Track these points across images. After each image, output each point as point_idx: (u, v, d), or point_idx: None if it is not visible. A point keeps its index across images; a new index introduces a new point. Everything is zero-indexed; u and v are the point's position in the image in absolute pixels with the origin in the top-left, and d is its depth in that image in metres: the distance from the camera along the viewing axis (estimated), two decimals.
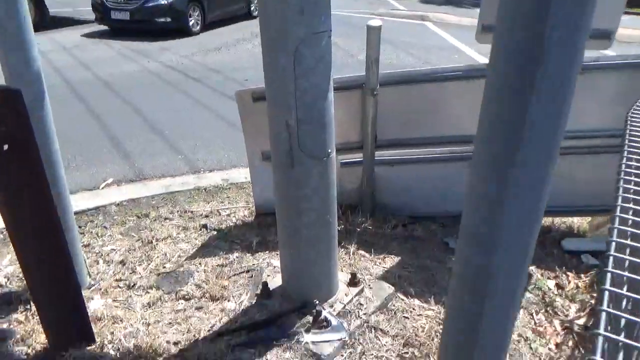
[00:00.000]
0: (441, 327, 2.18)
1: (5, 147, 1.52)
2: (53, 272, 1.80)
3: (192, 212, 3.16)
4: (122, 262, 2.59)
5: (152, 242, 2.79)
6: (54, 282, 1.82)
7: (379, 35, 2.67)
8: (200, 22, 10.17)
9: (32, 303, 2.21)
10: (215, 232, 2.92)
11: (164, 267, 2.56)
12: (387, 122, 2.93)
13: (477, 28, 2.71)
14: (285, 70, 1.83)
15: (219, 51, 8.58)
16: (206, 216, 3.11)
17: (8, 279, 2.42)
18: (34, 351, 1.92)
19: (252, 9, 12.02)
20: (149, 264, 2.59)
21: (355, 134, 2.98)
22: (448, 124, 2.97)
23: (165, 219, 3.06)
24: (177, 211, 3.17)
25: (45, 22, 9.92)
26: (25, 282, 2.33)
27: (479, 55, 8.51)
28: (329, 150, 2.02)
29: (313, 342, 2.03)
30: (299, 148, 1.94)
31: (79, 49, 8.33)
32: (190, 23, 9.86)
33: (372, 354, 2.03)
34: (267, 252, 2.70)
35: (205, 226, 2.97)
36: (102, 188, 3.57)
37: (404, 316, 2.27)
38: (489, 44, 3.03)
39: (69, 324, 1.90)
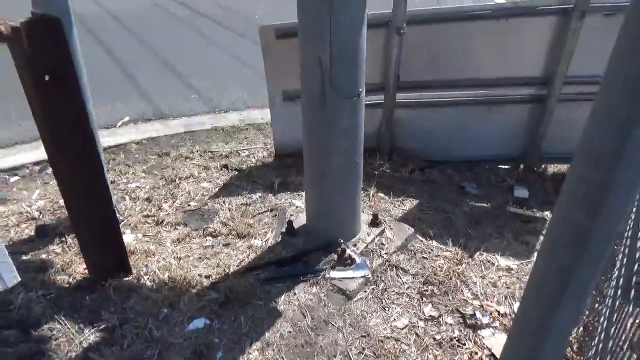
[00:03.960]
0: (458, 267, 2.27)
1: (47, 77, 1.52)
2: (93, 201, 1.85)
3: (212, 152, 3.19)
4: (148, 199, 2.65)
5: (175, 180, 2.84)
6: (94, 211, 1.87)
7: None
8: None
9: (66, 235, 2.30)
10: (236, 172, 2.96)
11: (189, 205, 2.63)
12: (410, 63, 2.89)
13: None
14: (322, 1, 1.77)
15: None
16: (226, 156, 3.14)
17: (41, 213, 2.49)
18: (74, 280, 2.01)
19: None
20: (174, 202, 2.65)
21: (377, 75, 2.94)
22: (472, 66, 2.93)
23: (186, 158, 3.10)
24: (197, 151, 3.19)
25: None
26: (57, 215, 2.41)
27: None
28: (360, 90, 2.01)
29: (338, 278, 2.12)
30: (332, 86, 1.93)
31: None
32: None
33: (394, 291, 2.13)
34: (288, 192, 2.75)
35: (226, 166, 3.01)
36: (119, 126, 3.58)
37: (423, 256, 2.35)
38: None
39: (107, 253, 1.98)
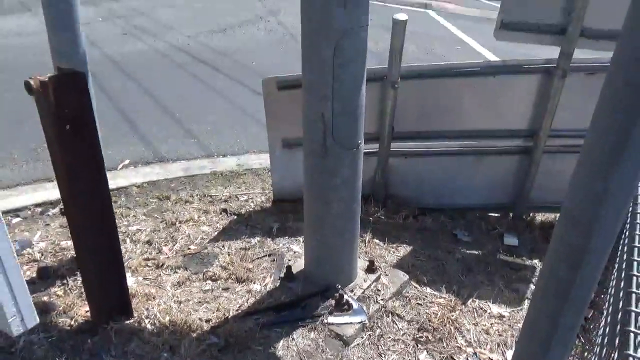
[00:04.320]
0: (452, 314, 2.34)
1: (67, 127, 1.62)
2: (101, 245, 1.91)
3: (211, 196, 3.27)
4: (149, 242, 2.70)
5: (175, 223, 2.90)
6: (102, 253, 1.93)
7: (404, 28, 2.76)
8: None
9: (68, 278, 2.33)
10: (235, 217, 3.04)
11: (189, 249, 2.68)
12: (404, 114, 3.04)
13: (496, 24, 2.82)
14: (325, 62, 1.91)
15: (225, 33, 8.57)
16: (225, 201, 3.22)
17: (42, 254, 2.53)
18: (76, 322, 2.04)
19: None
20: (174, 245, 2.70)
21: (372, 125, 3.08)
22: (461, 118, 3.09)
23: (186, 202, 3.17)
24: (197, 195, 3.27)
25: None
26: (58, 257, 2.45)
27: (482, 47, 8.59)
28: (359, 142, 2.13)
29: (336, 324, 2.17)
30: (333, 138, 2.05)
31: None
32: None
33: (390, 337, 2.18)
34: (286, 237, 2.82)
35: (225, 210, 3.09)
36: (120, 169, 3.66)
37: (417, 303, 2.41)
38: (507, 42, 3.15)
39: (111, 296, 2.01)
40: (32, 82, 1.50)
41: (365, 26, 1.92)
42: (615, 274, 1.63)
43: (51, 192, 3.24)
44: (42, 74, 1.55)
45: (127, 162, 3.79)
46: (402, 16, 2.73)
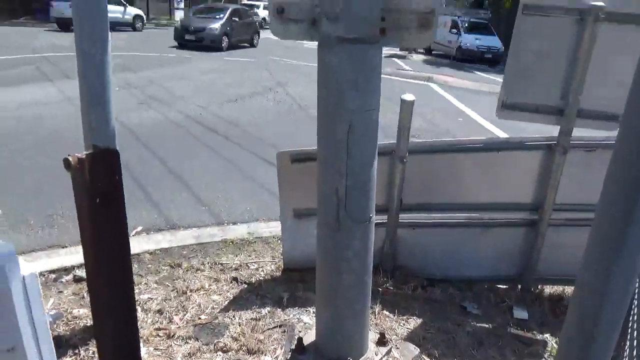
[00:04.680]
0: None
1: (98, 200, 1.71)
2: (120, 313, 1.94)
3: (222, 264, 3.31)
4: (160, 312, 2.72)
5: (186, 292, 2.93)
6: (120, 323, 1.95)
7: (411, 108, 2.94)
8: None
9: (80, 347, 2.33)
10: (245, 286, 3.07)
11: (200, 318, 2.69)
12: (411, 187, 3.15)
13: (498, 104, 3.00)
14: (339, 140, 2.04)
15: (235, 103, 8.95)
16: (236, 269, 3.26)
17: (55, 323, 2.54)
18: None
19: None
20: (185, 314, 2.72)
21: (381, 197, 3.18)
22: (467, 191, 3.20)
23: (197, 270, 3.21)
24: (208, 262, 3.32)
25: None
26: (71, 326, 2.47)
27: (482, 119, 8.91)
28: (371, 215, 2.22)
29: None
30: (346, 212, 2.14)
31: None
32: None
33: None
34: (296, 307, 2.84)
35: (235, 279, 3.12)
36: (133, 235, 3.73)
37: None
38: (509, 120, 3.33)
39: None
40: (70, 160, 1.61)
41: (376, 108, 2.07)
42: (628, 343, 1.66)
43: (64, 258, 3.30)
44: (79, 152, 1.67)
45: (140, 228, 3.87)
46: (409, 97, 2.91)
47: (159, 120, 7.32)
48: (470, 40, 20.91)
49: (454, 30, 21.86)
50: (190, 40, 17.37)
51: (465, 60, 20.29)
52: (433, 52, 22.57)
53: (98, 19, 1.85)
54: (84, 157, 1.64)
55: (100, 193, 1.73)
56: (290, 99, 9.63)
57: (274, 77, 12.24)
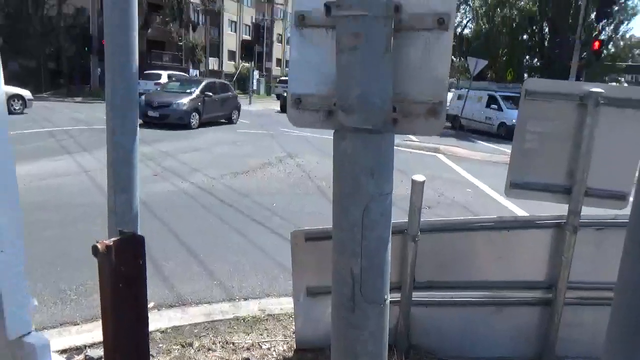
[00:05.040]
0: None
1: (121, 285, 1.76)
2: None
3: (233, 343, 3.27)
4: None
5: None
6: None
7: (422, 188, 3.02)
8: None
9: None
10: None
11: None
12: (424, 265, 3.16)
13: (506, 184, 3.07)
14: (355, 223, 2.10)
15: (247, 174, 9.15)
16: (247, 349, 3.22)
17: None
18: None
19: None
20: None
21: (394, 275, 3.19)
22: (479, 270, 3.20)
23: (209, 349, 3.17)
24: (219, 342, 3.28)
25: None
26: None
27: (490, 190, 8.99)
28: (385, 297, 2.23)
29: None
30: (361, 294, 2.15)
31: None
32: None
33: None
34: None
35: (247, 359, 3.07)
36: None
37: None
38: (518, 199, 3.40)
39: None
40: (99, 246, 1.69)
41: (390, 193, 2.15)
42: None
43: (76, 337, 3.28)
44: (107, 239, 1.75)
45: (151, 304, 3.86)
46: (420, 177, 3.01)
47: (172, 191, 7.49)
48: (515, 116, 20.89)
49: (494, 106, 20.71)
50: (154, 117, 15.49)
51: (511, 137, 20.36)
52: (465, 129, 21.65)
53: (129, 115, 2.00)
54: (111, 243, 1.72)
55: (124, 277, 1.78)
56: (300, 171, 9.83)
57: (285, 148, 12.57)
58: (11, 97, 16.88)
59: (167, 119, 15.43)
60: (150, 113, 15.54)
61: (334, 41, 2.03)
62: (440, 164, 11.98)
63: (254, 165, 10.10)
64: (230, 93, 19.16)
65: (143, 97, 15.69)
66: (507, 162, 3.10)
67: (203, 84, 17.52)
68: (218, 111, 17.70)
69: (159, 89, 19.61)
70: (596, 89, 2.85)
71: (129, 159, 2.08)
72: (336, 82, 2.07)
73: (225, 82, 20.85)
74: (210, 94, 16.97)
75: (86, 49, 23.26)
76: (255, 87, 35.62)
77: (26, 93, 17.03)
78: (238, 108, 19.46)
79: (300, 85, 2.21)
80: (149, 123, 15.36)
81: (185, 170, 9.09)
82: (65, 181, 7.61)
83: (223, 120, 18.37)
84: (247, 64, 43.67)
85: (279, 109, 27.09)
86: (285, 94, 25.68)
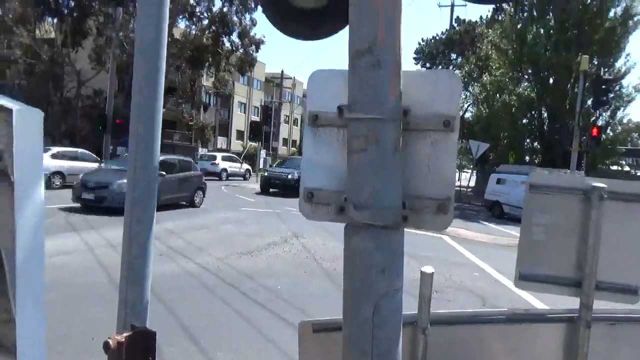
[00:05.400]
0: None
1: None
2: None
3: None
4: None
5: None
6: None
7: (431, 280, 3.00)
8: None
9: None
10: None
11: None
12: (433, 358, 3.07)
13: (515, 275, 3.06)
14: (365, 320, 2.09)
15: (252, 255, 9.11)
16: None
17: None
18: None
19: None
20: None
21: None
22: None
23: None
24: None
25: None
26: None
27: (497, 273, 8.87)
28: None
29: None
30: None
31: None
32: None
33: None
34: None
35: None
36: None
37: None
38: (527, 290, 3.35)
39: None
40: (110, 343, 1.68)
41: (401, 287, 2.16)
42: None
43: None
44: (118, 334, 1.74)
45: None
46: (429, 269, 3.01)
47: (176, 272, 7.44)
48: None
49: None
50: (88, 200, 13.14)
51: None
52: (506, 217, 20.92)
53: (149, 207, 2.07)
54: (123, 339, 1.71)
55: None
56: (305, 252, 9.79)
57: (290, 227, 12.59)
58: (53, 174, 18.61)
59: (103, 202, 12.96)
60: (85, 195, 13.18)
61: (345, 139, 2.16)
62: (447, 246, 11.92)
63: (259, 245, 10.08)
64: (193, 172, 16.86)
65: (79, 177, 14.12)
66: (512, 244, 3.12)
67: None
68: (174, 192, 15.05)
69: (102, 165, 17.87)
70: (599, 183, 2.93)
71: (144, 251, 2.13)
72: (347, 180, 2.17)
73: (187, 159, 18.00)
74: (164, 172, 13.94)
75: (100, 127, 24.15)
76: (262, 166, 36.75)
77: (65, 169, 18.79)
78: (203, 189, 16.98)
79: (312, 180, 2.30)
80: (84, 207, 13.26)
81: (191, 249, 9.07)
82: (70, 259, 7.60)
83: (183, 203, 15.83)
84: (254, 143, 44.96)
85: (259, 189, 25.31)
86: (267, 174, 25.66)
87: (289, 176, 23.54)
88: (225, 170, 33.43)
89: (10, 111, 1.03)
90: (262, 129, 33.64)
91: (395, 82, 1.98)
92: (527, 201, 3.07)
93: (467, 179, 32.52)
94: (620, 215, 2.97)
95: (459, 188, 22.29)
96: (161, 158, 14.51)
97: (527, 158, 32.01)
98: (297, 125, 71.30)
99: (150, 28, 2.06)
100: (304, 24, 2.67)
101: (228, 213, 15.22)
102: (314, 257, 9.31)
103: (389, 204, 2.11)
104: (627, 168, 34.32)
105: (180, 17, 31.68)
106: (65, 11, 30.54)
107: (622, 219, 2.99)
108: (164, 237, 10.02)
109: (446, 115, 2.08)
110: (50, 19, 32.47)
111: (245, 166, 36.71)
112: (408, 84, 2.10)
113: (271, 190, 23.97)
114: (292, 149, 66.19)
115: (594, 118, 27.54)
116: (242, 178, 35.10)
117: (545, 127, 30.17)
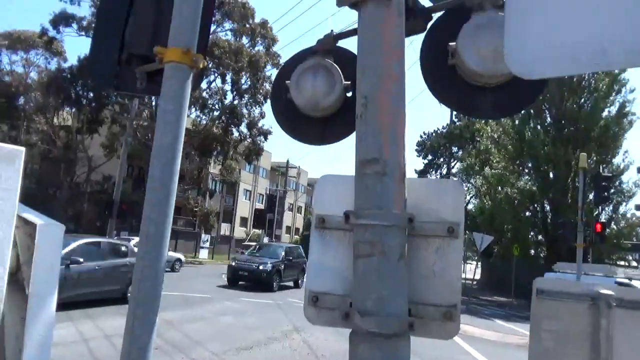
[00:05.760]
0: None
1: None
2: None
3: None
4: None
5: None
6: None
7: None
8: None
9: None
10: None
11: None
12: None
13: None
14: None
15: (251, 350, 8.75)
16: None
17: None
18: None
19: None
20: None
21: None
22: None
23: None
24: None
25: None
26: None
27: None
28: None
29: None
30: None
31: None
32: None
33: None
34: None
35: None
36: None
37: None
38: None
39: None
40: None
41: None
42: None
43: None
44: None
45: None
46: None
47: None
48: None
49: None
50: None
51: None
52: None
53: (151, 310, 2.07)
54: None
55: None
56: (307, 348, 9.41)
57: (291, 319, 12.20)
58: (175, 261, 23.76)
59: None
60: None
61: (351, 243, 2.19)
62: (454, 345, 11.40)
63: (259, 339, 9.70)
64: (125, 259, 12.94)
65: None
66: (522, 344, 3.00)
67: (69, 247, 11.10)
68: (97, 285, 11.75)
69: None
70: (606, 291, 2.89)
71: (144, 353, 2.09)
72: (353, 285, 2.17)
73: (122, 243, 14.64)
74: (81, 259, 11.14)
75: (106, 212, 24.34)
76: None
77: (182, 256, 25.05)
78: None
79: (318, 283, 2.31)
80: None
81: (188, 344, 8.73)
82: (63, 351, 7.30)
83: (112, 297, 12.13)
84: (258, 231, 44.92)
85: (225, 281, 20.46)
86: (234, 264, 20.27)
87: (260, 267, 19.26)
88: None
89: (34, 226, 1.08)
90: (267, 217, 33.71)
91: (400, 190, 2.06)
92: (535, 307, 3.01)
93: (472, 270, 31.90)
94: (631, 325, 2.89)
95: (464, 281, 21.81)
96: (78, 242, 11.66)
97: (532, 251, 31.62)
98: (300, 213, 71.68)
99: (167, 135, 2.19)
100: (313, 131, 2.82)
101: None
102: (315, 354, 8.92)
103: (395, 312, 2.08)
104: (634, 263, 33.68)
105: (193, 108, 33.21)
106: (84, 101, 32.10)
107: (634, 326, 2.91)
108: (162, 329, 9.68)
109: (451, 222, 2.13)
110: (68, 108, 34.06)
111: (175, 255, 25.18)
112: (413, 192, 2.18)
113: (239, 283, 19.66)
114: (295, 236, 65.95)
115: (596, 212, 27.55)
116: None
117: (548, 220, 30.10)
